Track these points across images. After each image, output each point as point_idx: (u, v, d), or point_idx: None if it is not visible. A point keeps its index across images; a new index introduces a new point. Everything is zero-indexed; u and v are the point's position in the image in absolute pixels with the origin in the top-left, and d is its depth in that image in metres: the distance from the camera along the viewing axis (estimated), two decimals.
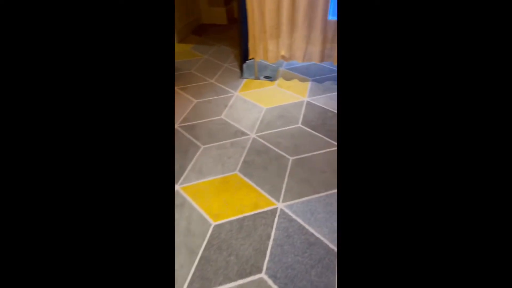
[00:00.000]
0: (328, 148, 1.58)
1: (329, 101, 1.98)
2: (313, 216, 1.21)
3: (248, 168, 1.47)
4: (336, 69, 2.37)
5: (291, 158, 1.52)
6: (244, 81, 2.31)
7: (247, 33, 2.12)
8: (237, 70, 2.47)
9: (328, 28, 1.95)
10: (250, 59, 2.25)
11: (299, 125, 1.77)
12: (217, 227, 1.19)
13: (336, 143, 1.60)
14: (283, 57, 2.12)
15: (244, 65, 2.43)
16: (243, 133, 1.73)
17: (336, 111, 1.87)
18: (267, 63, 2.36)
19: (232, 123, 1.83)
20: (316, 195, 1.30)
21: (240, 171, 1.46)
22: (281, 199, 1.29)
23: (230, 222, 1.20)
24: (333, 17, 2.01)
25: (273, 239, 1.13)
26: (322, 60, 2.06)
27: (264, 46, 2.09)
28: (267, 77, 2.32)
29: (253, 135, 1.71)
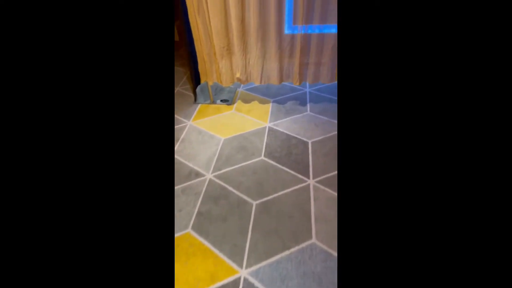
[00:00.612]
0: (295, 184, 1.38)
1: (292, 125, 1.80)
2: (284, 283, 0.98)
3: (203, 223, 1.22)
4: (297, 87, 2.22)
5: (254, 203, 1.29)
6: (199, 106, 2.06)
7: (196, 54, 1.88)
8: (190, 94, 2.22)
9: (283, 44, 1.78)
10: (203, 82, 2.02)
11: (262, 157, 1.56)
12: None
13: (303, 177, 1.41)
14: (238, 79, 1.91)
15: (198, 88, 2.18)
16: (198, 174, 1.47)
17: (300, 138, 1.69)
18: None
19: (184, 161, 1.56)
20: (287, 252, 1.08)
21: (193, 228, 1.20)
22: (244, 264, 1.05)
23: None
24: (289, 31, 1.85)
25: None
26: (281, 81, 1.89)
27: (216, 68, 1.87)
28: (224, 101, 2.10)
29: (209, 175, 1.46)
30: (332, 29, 1.75)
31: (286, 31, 1.84)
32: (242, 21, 1.65)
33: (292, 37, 1.80)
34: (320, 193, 1.32)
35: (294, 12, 1.71)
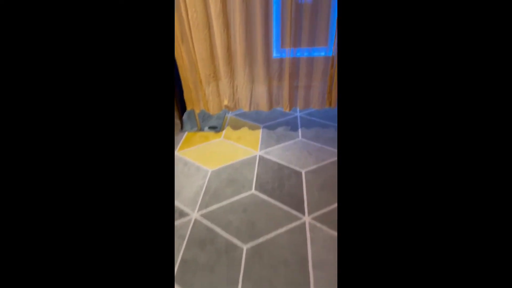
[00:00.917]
0: (289, 222, 1.26)
1: (284, 153, 1.70)
2: None
3: (187, 273, 1.08)
4: (288, 112, 2.14)
5: (245, 247, 1.17)
6: (185, 135, 1.96)
7: (181, 81, 1.80)
8: (177, 121, 2.12)
9: (272, 69, 1.72)
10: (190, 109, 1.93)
11: (253, 191, 1.45)
12: None
13: (298, 214, 1.30)
14: (226, 107, 1.83)
15: (185, 116, 2.08)
16: (182, 213, 1.34)
17: (293, 167, 1.59)
18: None
19: None
20: None
21: (176, 280, 1.06)
22: None
23: None
24: (277, 55, 1.80)
25: None
26: (270, 107, 1.81)
27: (203, 96, 1.79)
28: (212, 128, 2.00)
29: (195, 214, 1.34)
30: (321, 52, 1.71)
31: (275, 54, 1.79)
32: (228, 48, 1.59)
33: (281, 61, 1.74)
34: (317, 232, 1.21)
35: (282, 35, 1.67)
